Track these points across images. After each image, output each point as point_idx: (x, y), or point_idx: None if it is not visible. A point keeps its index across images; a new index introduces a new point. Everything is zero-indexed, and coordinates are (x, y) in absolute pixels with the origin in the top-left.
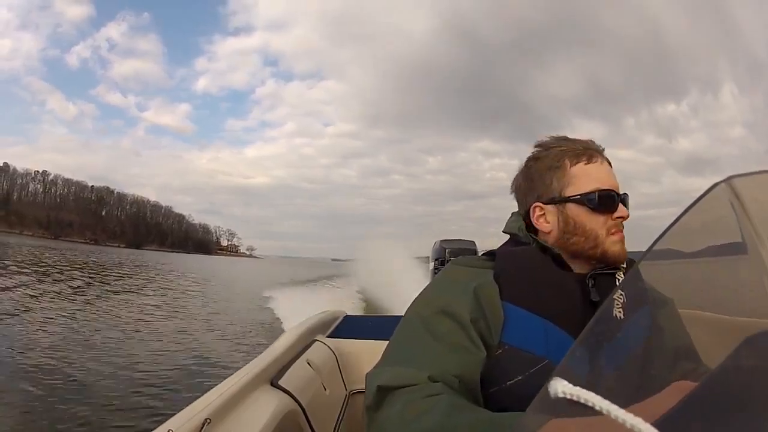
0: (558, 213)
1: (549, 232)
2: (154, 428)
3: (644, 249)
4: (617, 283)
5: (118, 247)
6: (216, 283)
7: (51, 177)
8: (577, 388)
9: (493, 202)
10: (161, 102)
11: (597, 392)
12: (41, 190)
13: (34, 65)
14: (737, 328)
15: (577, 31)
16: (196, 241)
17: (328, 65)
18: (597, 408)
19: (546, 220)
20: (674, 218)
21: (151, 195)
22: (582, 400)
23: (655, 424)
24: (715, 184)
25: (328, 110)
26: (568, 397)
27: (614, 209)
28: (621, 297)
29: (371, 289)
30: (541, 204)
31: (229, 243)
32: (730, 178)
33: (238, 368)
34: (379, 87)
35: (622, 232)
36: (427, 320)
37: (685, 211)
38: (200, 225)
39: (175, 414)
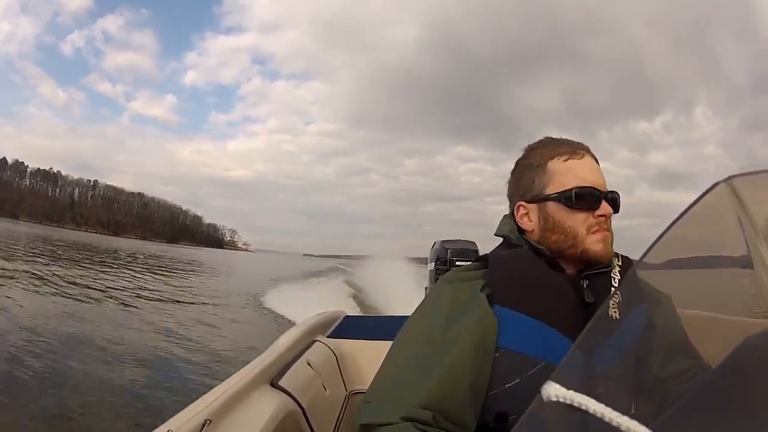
0: (539, 211)
1: (532, 231)
2: (154, 429)
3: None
4: (612, 282)
5: (161, 242)
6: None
7: (100, 185)
8: (571, 391)
9: (468, 205)
10: (149, 93)
11: (594, 395)
12: (89, 195)
13: (29, 50)
14: (737, 328)
15: (559, 51)
16: (213, 238)
17: (315, 67)
18: (591, 412)
19: (529, 218)
20: (674, 218)
21: (132, 183)
22: (576, 404)
23: (652, 427)
24: (715, 184)
25: (313, 109)
26: (562, 401)
27: (596, 207)
28: (618, 298)
29: (368, 287)
30: (524, 203)
31: (231, 239)
32: (730, 177)
33: (239, 368)
34: (364, 90)
35: (606, 230)
36: (416, 346)
37: (686, 210)
38: (209, 224)
39: (175, 414)
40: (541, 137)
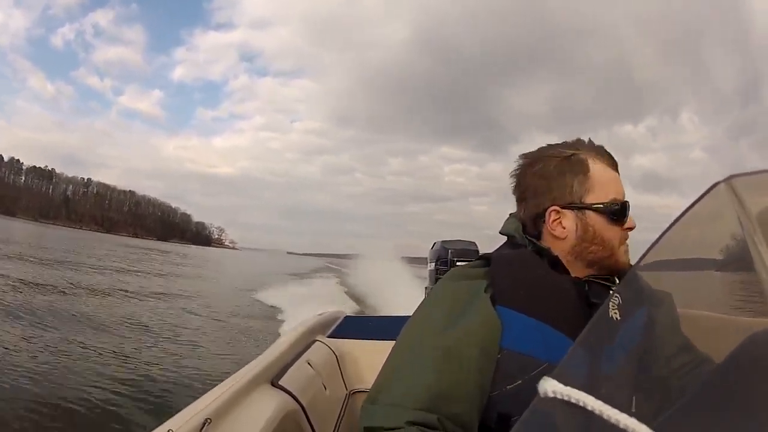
0: (576, 219)
1: (564, 238)
2: (154, 428)
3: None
4: (611, 286)
5: (152, 239)
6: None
7: (93, 183)
8: (568, 388)
9: (452, 205)
10: (137, 88)
11: (595, 393)
12: (81, 192)
13: (20, 43)
14: (737, 328)
15: (548, 54)
16: (201, 236)
17: (304, 65)
18: (590, 408)
19: (562, 225)
20: (674, 218)
21: (119, 178)
22: (574, 401)
23: (653, 426)
24: (715, 184)
25: (299, 108)
26: (559, 397)
27: (626, 220)
28: (618, 298)
29: (361, 286)
30: (558, 208)
31: (218, 237)
32: (730, 177)
33: (239, 368)
34: (352, 89)
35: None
36: (418, 347)
37: (686, 210)
38: (197, 223)
39: (175, 414)
40: (526, 138)
